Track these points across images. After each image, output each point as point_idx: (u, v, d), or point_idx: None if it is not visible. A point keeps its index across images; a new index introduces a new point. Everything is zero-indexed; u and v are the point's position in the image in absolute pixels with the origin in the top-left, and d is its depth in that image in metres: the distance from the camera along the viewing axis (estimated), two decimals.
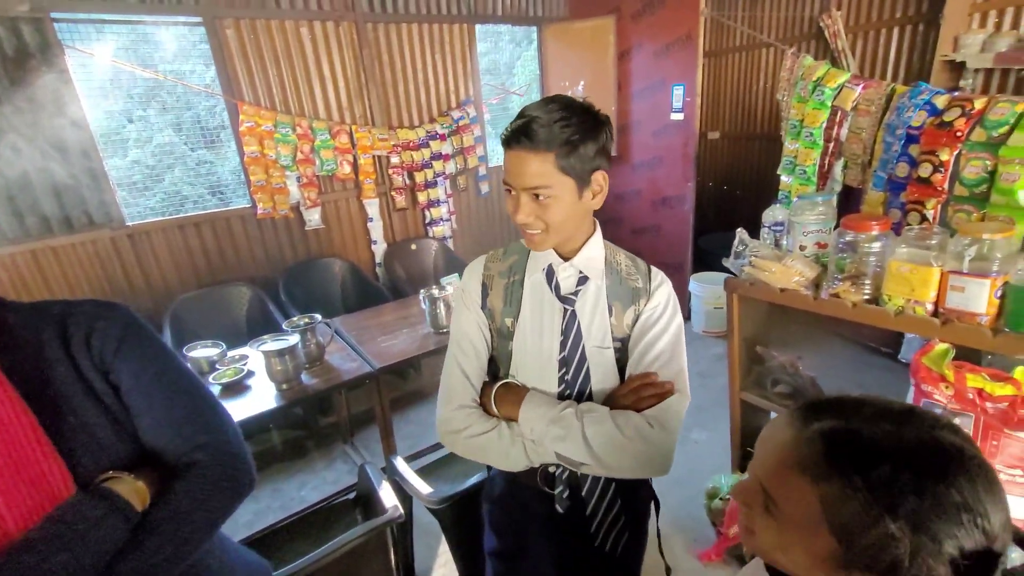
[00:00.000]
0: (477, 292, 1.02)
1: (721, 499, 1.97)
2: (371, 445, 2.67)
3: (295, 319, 2.06)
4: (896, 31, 3.33)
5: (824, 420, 0.51)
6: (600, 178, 0.90)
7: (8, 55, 2.33)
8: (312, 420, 2.88)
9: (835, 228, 1.60)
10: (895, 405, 0.52)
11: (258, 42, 2.96)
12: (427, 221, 3.82)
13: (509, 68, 6.43)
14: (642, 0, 3.56)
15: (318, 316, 2.07)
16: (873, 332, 3.20)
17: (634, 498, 1.07)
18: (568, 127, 0.83)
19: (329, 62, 3.21)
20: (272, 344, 1.87)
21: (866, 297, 1.49)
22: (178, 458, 0.72)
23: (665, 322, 0.97)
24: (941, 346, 1.38)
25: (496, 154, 4.73)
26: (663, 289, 0.99)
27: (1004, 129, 1.64)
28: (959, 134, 1.74)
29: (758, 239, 1.85)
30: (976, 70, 2.91)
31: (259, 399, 1.85)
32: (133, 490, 0.66)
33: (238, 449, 0.76)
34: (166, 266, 2.97)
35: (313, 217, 3.32)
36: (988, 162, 1.66)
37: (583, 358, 0.96)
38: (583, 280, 0.96)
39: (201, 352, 2.07)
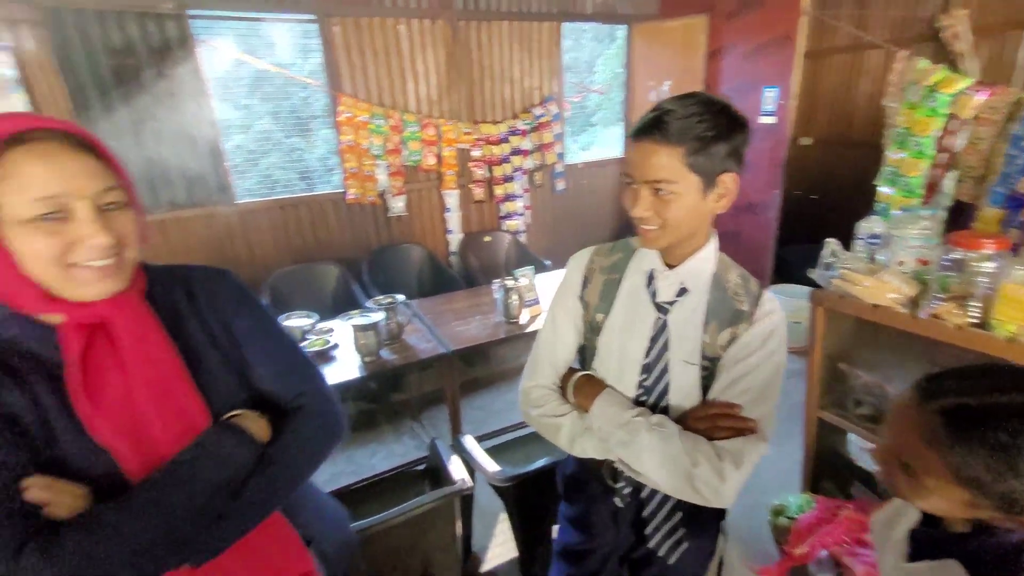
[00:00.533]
0: (578, 283, 1.03)
1: (787, 517, 1.90)
2: (438, 424, 2.81)
3: (379, 298, 2.21)
4: None
5: (942, 397, 0.60)
6: (729, 181, 0.85)
7: (154, 47, 2.67)
8: (385, 396, 3.06)
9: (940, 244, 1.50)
10: (1007, 372, 0.61)
11: (360, 38, 3.17)
12: (502, 214, 3.92)
13: (589, 66, 6.40)
14: None
15: (400, 296, 2.21)
16: (974, 359, 2.91)
17: (698, 512, 1.02)
18: (702, 123, 0.80)
19: (423, 58, 3.37)
20: (359, 319, 2.02)
21: (973, 320, 1.39)
22: (286, 403, 0.82)
23: (763, 356, 0.89)
24: None
25: (569, 151, 4.75)
26: (771, 319, 0.91)
27: None
28: None
29: (850, 251, 1.76)
30: None
31: (343, 369, 2.01)
32: (257, 426, 0.77)
33: (334, 399, 0.87)
34: (266, 242, 3.26)
35: (397, 205, 3.51)
36: None
37: (665, 369, 0.94)
38: (683, 292, 0.93)
39: (296, 322, 2.27)
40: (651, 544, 1.03)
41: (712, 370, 0.94)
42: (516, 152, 3.78)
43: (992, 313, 1.34)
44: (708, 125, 0.80)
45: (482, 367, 3.40)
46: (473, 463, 1.68)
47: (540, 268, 3.32)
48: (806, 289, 1.80)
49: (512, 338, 2.27)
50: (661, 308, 0.94)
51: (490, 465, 1.62)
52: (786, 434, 2.66)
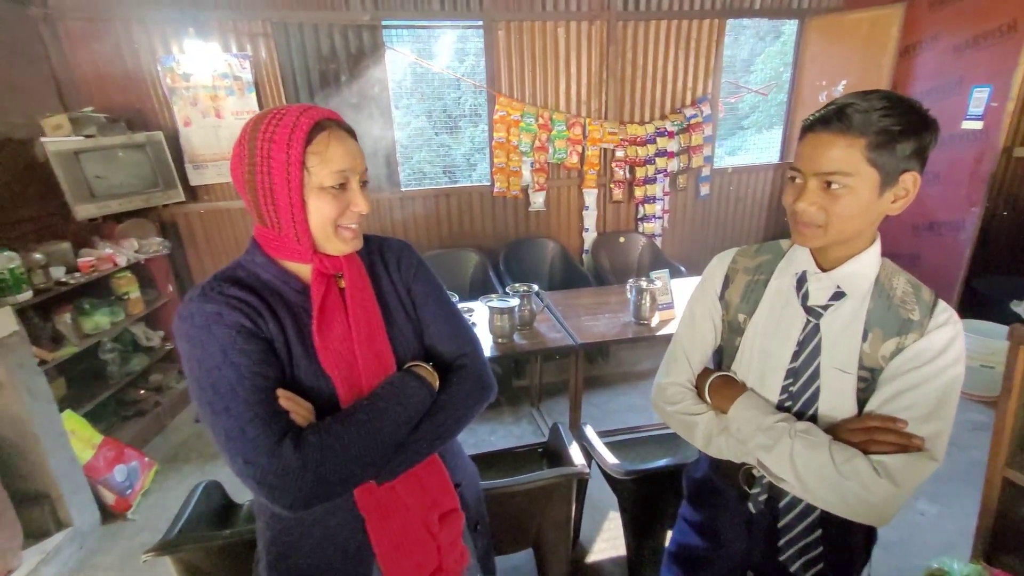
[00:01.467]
0: (719, 282, 1.02)
1: None
2: (555, 415, 2.90)
3: (516, 285, 2.35)
4: None
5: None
6: (910, 181, 0.79)
7: (352, 54, 3.12)
8: (508, 380, 3.24)
9: None
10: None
11: (520, 41, 3.36)
12: (639, 216, 3.87)
13: (747, 64, 5.98)
14: None
15: (535, 286, 2.33)
16: None
17: (844, 532, 0.96)
18: (888, 116, 0.75)
19: (576, 59, 3.46)
20: (497, 302, 2.18)
21: None
22: (452, 360, 0.96)
23: (936, 368, 0.81)
24: None
25: (718, 157, 4.50)
26: (946, 330, 0.83)
27: None
28: None
29: None
30: None
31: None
32: (432, 377, 0.91)
33: (487, 364, 0.99)
34: (420, 226, 3.63)
35: (538, 200, 3.66)
36: None
37: (815, 375, 0.89)
38: (838, 296, 0.88)
39: None
40: (782, 557, 0.98)
41: (871, 382, 0.87)
42: (661, 154, 3.70)
43: None
44: (895, 119, 0.75)
45: (601, 366, 3.42)
46: (593, 452, 1.73)
47: (675, 273, 3.22)
48: (1003, 328, 1.53)
49: (639, 339, 2.26)
50: (812, 312, 0.90)
51: (610, 457, 1.66)
52: (954, 494, 2.30)
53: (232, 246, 3.37)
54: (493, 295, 2.30)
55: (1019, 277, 3.20)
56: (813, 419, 0.91)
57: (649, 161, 3.69)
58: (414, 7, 3.15)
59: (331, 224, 0.80)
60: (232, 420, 0.72)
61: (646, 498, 1.58)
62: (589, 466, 1.85)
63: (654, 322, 2.30)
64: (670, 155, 3.72)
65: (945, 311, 0.85)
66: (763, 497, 0.99)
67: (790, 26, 3.83)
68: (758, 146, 5.48)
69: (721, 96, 3.88)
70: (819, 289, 0.89)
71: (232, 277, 0.81)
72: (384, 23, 3.12)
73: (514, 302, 2.18)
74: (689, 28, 3.57)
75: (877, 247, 0.88)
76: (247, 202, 0.80)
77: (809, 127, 0.82)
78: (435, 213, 3.62)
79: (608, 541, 2.08)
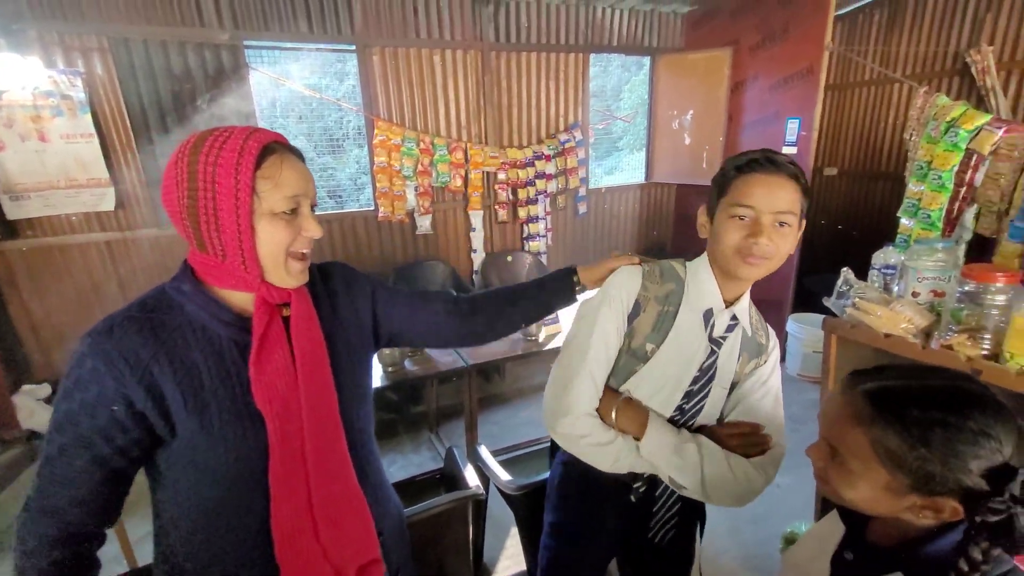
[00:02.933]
0: (629, 306, 1.02)
1: None
2: (454, 438, 2.87)
3: None
4: None
5: (866, 383, 0.65)
6: (803, 221, 0.95)
7: (209, 74, 2.89)
8: (405, 407, 3.15)
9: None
10: (924, 366, 0.69)
11: (397, 67, 3.36)
12: (525, 235, 4.03)
13: (616, 93, 6.55)
14: (762, 33, 3.54)
15: None
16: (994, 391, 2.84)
17: (692, 507, 1.16)
18: (804, 175, 0.92)
19: (454, 85, 3.55)
20: None
21: (984, 352, 1.40)
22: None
23: (776, 381, 1.06)
24: None
25: (593, 175, 4.85)
26: (776, 351, 1.07)
27: None
28: None
29: (865, 280, 1.79)
30: None
31: None
32: None
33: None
34: None
35: (424, 223, 3.66)
36: None
37: (706, 395, 1.03)
38: (733, 327, 1.01)
39: None
40: (651, 534, 1.15)
41: (731, 393, 1.06)
42: (540, 176, 3.90)
43: (1004, 346, 1.35)
44: (806, 178, 0.93)
45: (497, 384, 3.47)
46: (487, 471, 1.75)
47: None
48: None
49: (529, 355, 2.34)
50: (715, 342, 1.01)
51: (503, 474, 1.68)
52: (802, 464, 2.65)
53: (72, 289, 2.91)
54: None
55: (834, 275, 3.85)
56: (690, 427, 1.05)
57: (530, 183, 3.87)
58: (279, 28, 3.02)
59: (282, 251, 0.75)
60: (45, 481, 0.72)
61: (541, 509, 1.62)
62: (487, 488, 1.87)
63: (541, 337, 2.40)
64: (548, 177, 3.94)
65: (772, 332, 1.08)
66: (643, 489, 1.11)
67: (646, 61, 4.28)
68: (631, 166, 6.02)
69: (592, 122, 4.21)
70: (721, 322, 1.01)
71: (141, 314, 0.74)
72: (246, 43, 2.95)
73: None
74: (557, 60, 3.84)
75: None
76: (182, 228, 0.73)
77: (751, 169, 0.90)
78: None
79: (511, 558, 2.09)
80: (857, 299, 1.71)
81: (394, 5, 3.26)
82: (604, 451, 0.99)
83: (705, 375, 1.01)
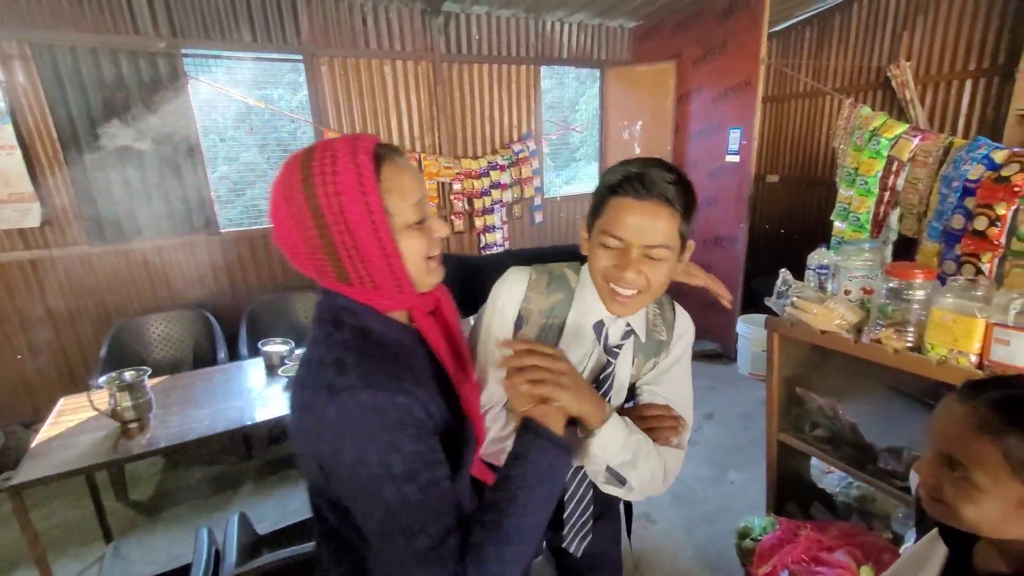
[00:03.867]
0: (511, 320, 0.95)
1: (752, 539, 1.95)
2: None
3: None
4: (969, 83, 3.27)
5: (990, 392, 0.62)
6: (690, 248, 0.90)
7: (144, 83, 2.77)
8: None
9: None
10: None
11: (346, 76, 3.32)
12: (482, 245, 4.03)
13: (572, 104, 6.69)
14: (703, 47, 3.70)
15: None
16: (915, 381, 3.04)
17: (609, 506, 1.14)
18: (688, 192, 0.83)
19: (406, 96, 3.53)
20: None
21: (909, 345, 1.50)
22: None
23: (680, 371, 0.99)
24: None
25: (552, 184, 4.92)
26: (684, 340, 1.00)
27: None
28: (1017, 189, 1.73)
29: (803, 280, 1.88)
30: None
31: None
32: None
33: None
34: (248, 270, 3.30)
35: None
36: None
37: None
38: (628, 334, 0.95)
39: (273, 348, 2.30)
40: (565, 543, 1.05)
41: (632, 391, 1.01)
42: (496, 186, 3.92)
43: (925, 338, 1.44)
44: (691, 194, 0.83)
45: None
46: None
47: None
48: None
49: None
50: (610, 352, 0.94)
51: None
52: (754, 460, 2.74)
53: None
54: None
55: (776, 277, 4.04)
56: None
57: (485, 193, 3.88)
58: (221, 36, 2.93)
59: (423, 259, 0.70)
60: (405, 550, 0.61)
61: None
62: None
63: None
64: (504, 187, 3.97)
65: (682, 321, 1.00)
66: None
67: (596, 73, 4.40)
68: (589, 175, 6.15)
69: (545, 133, 4.27)
70: (615, 331, 0.94)
71: (369, 348, 0.67)
72: (184, 51, 2.84)
73: None
74: (509, 71, 3.88)
75: None
76: (313, 266, 0.67)
77: (623, 191, 0.81)
78: (265, 255, 3.34)
79: None
80: (795, 298, 1.79)
81: (342, 14, 3.22)
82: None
83: (602, 387, 0.93)
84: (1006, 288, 1.33)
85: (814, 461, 2.12)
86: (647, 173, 0.79)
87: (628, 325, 0.95)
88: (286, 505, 2.46)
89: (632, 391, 1.01)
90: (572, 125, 5.06)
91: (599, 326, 0.93)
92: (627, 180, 0.80)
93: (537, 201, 4.20)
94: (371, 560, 0.71)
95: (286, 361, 2.24)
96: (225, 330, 2.94)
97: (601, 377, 0.95)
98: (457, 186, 3.78)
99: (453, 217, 3.86)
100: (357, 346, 0.66)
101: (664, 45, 4.02)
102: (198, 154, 2.99)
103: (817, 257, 1.92)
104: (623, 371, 0.97)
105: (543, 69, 4.07)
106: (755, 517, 2.05)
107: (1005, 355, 1.30)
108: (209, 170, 3.10)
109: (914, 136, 2.23)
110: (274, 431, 2.87)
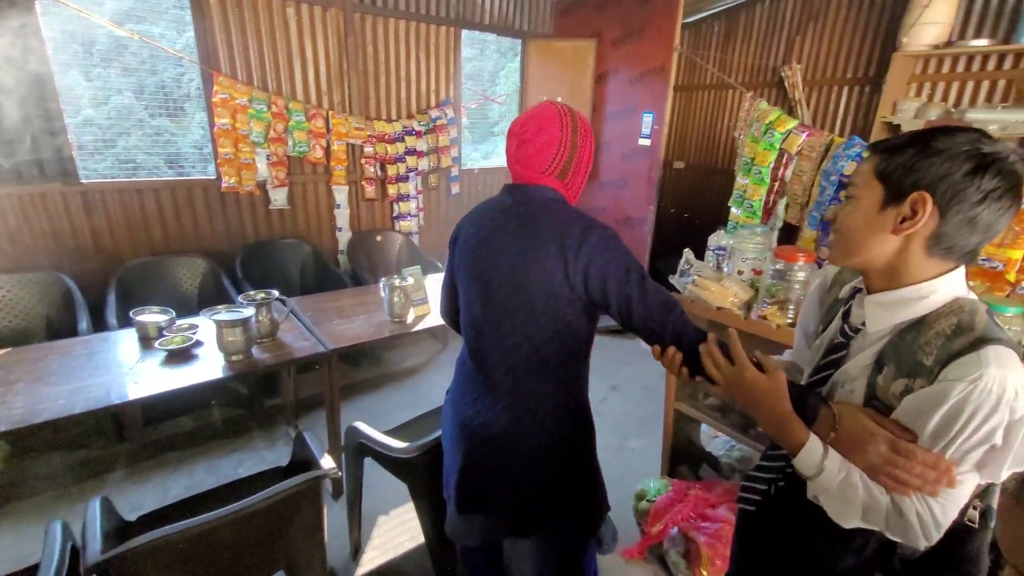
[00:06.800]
0: (825, 288, 0.98)
1: (648, 500, 2.09)
2: (316, 430, 2.66)
3: (251, 293, 2.06)
4: (846, 90, 3.64)
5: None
6: (919, 203, 0.71)
7: None
8: (257, 400, 2.84)
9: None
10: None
11: (241, 15, 2.95)
12: (395, 214, 3.85)
13: (493, 77, 6.56)
14: (622, 29, 3.76)
15: (275, 292, 2.08)
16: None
17: None
18: (899, 138, 0.78)
19: (312, 46, 3.22)
20: (226, 314, 1.86)
21: (789, 321, 1.65)
22: None
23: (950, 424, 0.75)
24: None
25: (470, 158, 4.81)
26: (958, 387, 0.69)
27: None
28: None
29: (703, 261, 2.00)
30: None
31: (206, 368, 1.84)
32: None
33: None
34: (118, 229, 2.88)
35: (279, 197, 3.30)
36: None
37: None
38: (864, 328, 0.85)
39: (149, 317, 2.03)
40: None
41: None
42: (411, 152, 3.74)
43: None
44: (907, 137, 0.74)
45: (368, 369, 3.30)
46: (374, 444, 1.66)
47: (432, 269, 3.31)
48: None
49: (396, 337, 2.24)
50: (846, 333, 0.85)
51: (395, 442, 1.60)
52: (654, 429, 2.93)
53: None
54: (221, 307, 1.97)
55: (680, 257, 4.33)
56: None
57: (400, 159, 3.69)
58: None
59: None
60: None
61: (440, 471, 1.59)
62: (360, 469, 1.77)
63: (409, 319, 2.31)
64: (420, 154, 3.80)
65: (969, 366, 0.68)
66: None
67: (518, 46, 4.31)
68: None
69: (465, 101, 4.13)
70: (860, 312, 0.87)
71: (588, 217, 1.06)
72: None
73: (248, 312, 1.90)
74: (428, 32, 3.68)
75: (943, 288, 0.76)
76: (555, 162, 1.07)
77: None
78: (140, 213, 2.92)
79: (378, 548, 2.00)
80: (696, 277, 1.90)
81: None
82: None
83: (826, 371, 0.89)
84: None
85: (704, 427, 2.30)
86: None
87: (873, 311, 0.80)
88: (166, 490, 2.23)
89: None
90: (493, 96, 4.96)
91: (853, 292, 0.87)
92: None
93: (454, 172, 4.09)
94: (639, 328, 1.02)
95: (164, 332, 1.98)
96: (88, 297, 2.55)
97: (829, 360, 0.86)
98: (369, 149, 3.56)
99: (364, 183, 3.64)
100: (583, 215, 1.06)
101: (585, 22, 4.03)
102: (51, 90, 2.51)
103: (716, 239, 2.05)
104: (855, 367, 0.81)
105: (464, 34, 3.91)
106: (651, 480, 2.20)
107: None
108: (67, 111, 2.62)
109: (802, 132, 2.43)
110: (151, 411, 2.57)
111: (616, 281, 0.99)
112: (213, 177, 3.11)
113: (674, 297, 1.01)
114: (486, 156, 5.77)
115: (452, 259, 1.21)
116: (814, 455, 0.76)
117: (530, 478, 1.11)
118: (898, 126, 3.23)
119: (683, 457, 2.24)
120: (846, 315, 0.86)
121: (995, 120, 2.85)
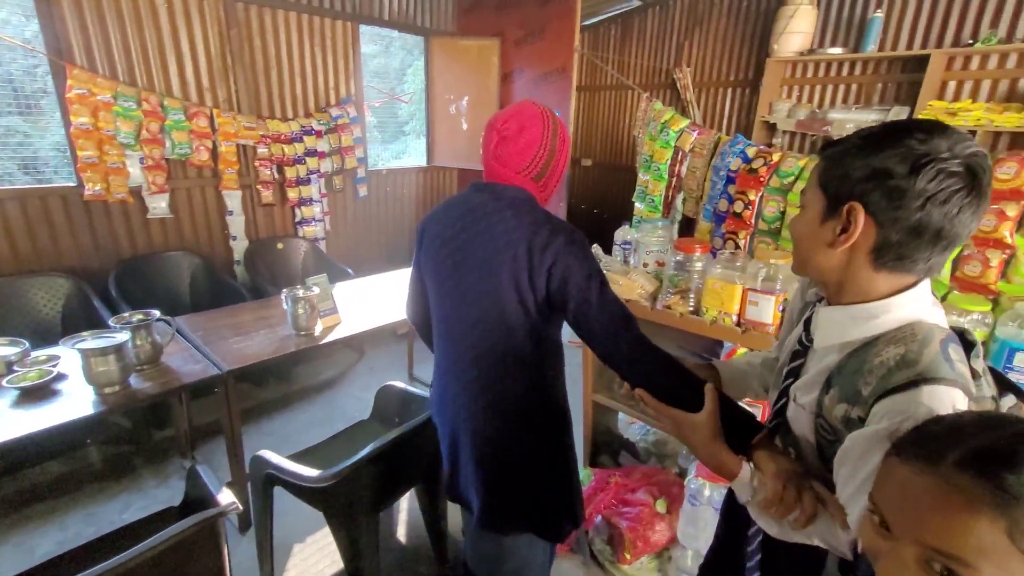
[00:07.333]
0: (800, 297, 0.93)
1: None
2: (216, 459, 2.42)
3: (125, 315, 1.82)
4: (730, 91, 3.96)
5: (952, 449, 0.42)
6: (850, 214, 0.66)
7: None
8: (143, 433, 2.53)
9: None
10: (976, 415, 0.47)
11: (100, 3, 2.60)
12: (297, 220, 3.61)
13: (400, 75, 6.38)
14: (524, 29, 3.80)
15: (155, 312, 1.85)
16: (699, 341, 3.71)
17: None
18: (835, 146, 0.70)
19: (189, 36, 2.92)
20: (93, 342, 1.62)
21: (691, 309, 1.74)
22: None
23: (861, 456, 0.69)
24: (741, 350, 1.66)
25: (380, 158, 4.63)
26: (884, 421, 0.65)
27: (791, 179, 2.05)
28: (762, 179, 2.13)
29: (611, 255, 2.07)
30: (784, 131, 3.58)
31: (72, 405, 1.59)
32: None
33: None
34: None
35: (159, 204, 2.96)
36: (780, 203, 2.07)
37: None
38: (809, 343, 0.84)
39: None
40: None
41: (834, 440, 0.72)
42: (311, 153, 3.52)
43: (702, 303, 1.70)
44: (853, 140, 0.66)
45: (274, 388, 3.07)
46: (283, 474, 1.53)
47: (342, 276, 3.14)
48: None
49: (305, 352, 2.09)
50: (802, 343, 0.79)
51: (305, 470, 1.50)
52: (576, 418, 3.01)
53: None
54: (87, 333, 1.71)
55: None
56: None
57: (299, 160, 3.46)
58: None
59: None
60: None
61: (358, 498, 1.52)
62: (268, 497, 1.63)
63: (317, 330, 2.16)
64: (321, 155, 3.59)
65: (902, 402, 0.61)
66: None
67: (422, 43, 4.21)
68: (419, 151, 5.92)
69: (368, 100, 3.96)
70: (816, 321, 0.81)
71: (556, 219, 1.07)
72: None
73: (122, 337, 1.67)
74: (323, 25, 3.49)
75: (896, 308, 0.69)
76: (533, 164, 1.06)
77: None
78: None
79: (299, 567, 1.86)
80: (605, 271, 1.96)
81: None
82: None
83: (786, 380, 0.87)
84: (755, 260, 1.63)
85: (620, 416, 2.39)
86: None
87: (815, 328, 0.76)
88: (31, 550, 1.91)
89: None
90: (399, 95, 4.82)
91: (818, 298, 0.81)
92: None
93: (360, 173, 3.91)
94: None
95: (15, 368, 1.69)
96: None
97: (790, 367, 0.82)
98: (263, 150, 3.30)
99: (260, 187, 3.37)
100: (552, 217, 1.06)
101: (488, 21, 4.03)
102: None
103: (621, 234, 2.13)
104: (809, 381, 0.76)
105: (365, 30, 3.75)
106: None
107: (755, 314, 1.59)
108: None
109: (693, 131, 2.60)
110: (6, 459, 2.20)
111: (576, 284, 0.99)
112: (74, 184, 2.72)
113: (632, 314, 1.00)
114: (397, 156, 5.60)
115: (419, 257, 1.20)
116: (746, 486, 0.79)
117: (504, 476, 1.14)
118: (774, 125, 3.57)
119: (603, 446, 2.31)
120: (807, 322, 0.80)
121: (851, 120, 3.24)
